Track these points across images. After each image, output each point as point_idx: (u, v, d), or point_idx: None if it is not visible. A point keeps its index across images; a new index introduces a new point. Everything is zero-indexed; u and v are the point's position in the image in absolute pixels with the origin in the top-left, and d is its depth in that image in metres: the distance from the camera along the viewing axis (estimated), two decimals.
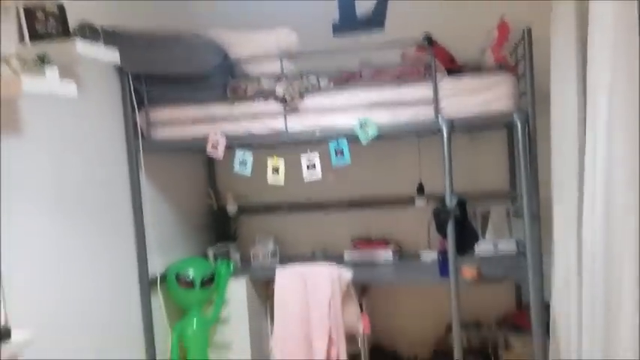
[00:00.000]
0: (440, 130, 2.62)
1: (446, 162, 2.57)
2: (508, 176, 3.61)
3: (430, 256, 3.51)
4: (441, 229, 2.63)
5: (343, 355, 2.93)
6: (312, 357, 2.91)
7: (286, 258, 3.78)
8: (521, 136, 2.55)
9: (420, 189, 3.56)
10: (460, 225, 2.62)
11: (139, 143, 3.08)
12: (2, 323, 1.50)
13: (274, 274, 2.99)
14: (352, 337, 3.08)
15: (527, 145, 2.59)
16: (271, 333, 3.57)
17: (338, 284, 2.91)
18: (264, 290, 3.65)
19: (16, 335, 1.54)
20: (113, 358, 2.84)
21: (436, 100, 2.75)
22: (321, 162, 2.97)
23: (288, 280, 2.95)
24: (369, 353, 3.53)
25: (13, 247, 2.24)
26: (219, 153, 2.99)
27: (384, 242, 3.65)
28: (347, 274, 2.94)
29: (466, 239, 2.67)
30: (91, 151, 2.80)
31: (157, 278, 3.18)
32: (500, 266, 3.08)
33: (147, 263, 3.13)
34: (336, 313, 2.91)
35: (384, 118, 2.82)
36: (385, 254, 3.51)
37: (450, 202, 2.56)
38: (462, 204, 2.61)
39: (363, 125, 2.77)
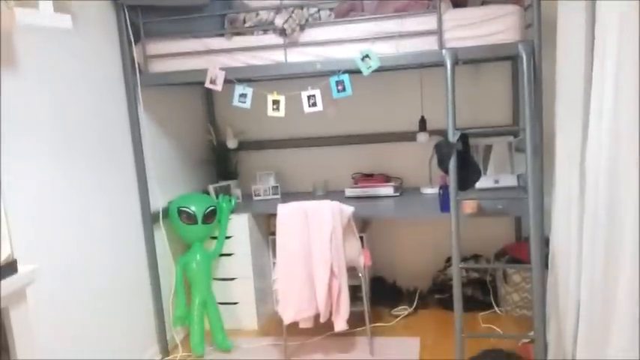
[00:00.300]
0: (443, 62, 2.56)
1: (449, 94, 2.52)
2: (511, 110, 3.57)
3: (431, 191, 3.52)
4: (443, 164, 2.61)
5: (345, 288, 2.99)
6: (314, 290, 2.96)
7: (287, 194, 3.80)
8: (526, 67, 2.49)
9: (422, 124, 3.52)
10: (462, 160, 2.59)
11: (136, 78, 3.04)
12: (8, 257, 1.50)
13: (275, 210, 3.00)
14: (353, 270, 3.13)
15: (532, 76, 2.54)
16: (273, 267, 3.65)
17: (339, 218, 2.93)
18: (265, 225, 3.70)
19: (22, 269, 1.55)
20: (119, 290, 2.90)
21: (440, 32, 2.68)
22: (322, 97, 2.92)
23: (289, 214, 2.96)
24: (369, 285, 3.61)
25: (14, 184, 2.24)
26: (218, 87, 2.94)
27: (385, 178, 3.65)
28: (348, 209, 2.95)
29: (468, 175, 2.64)
30: (89, 87, 2.75)
31: (159, 213, 3.21)
32: (500, 201, 3.09)
33: (148, 198, 3.14)
34: (338, 246, 2.95)
35: (387, 50, 2.75)
36: (386, 190, 3.52)
37: (453, 136, 2.52)
38: (464, 138, 2.57)
39: (364, 57, 2.71)
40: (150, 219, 3.15)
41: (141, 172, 3.11)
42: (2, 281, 1.48)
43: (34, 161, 2.37)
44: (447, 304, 3.49)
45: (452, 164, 2.56)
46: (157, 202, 3.23)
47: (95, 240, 2.74)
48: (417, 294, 3.65)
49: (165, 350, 3.24)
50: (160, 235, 3.25)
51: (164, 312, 3.24)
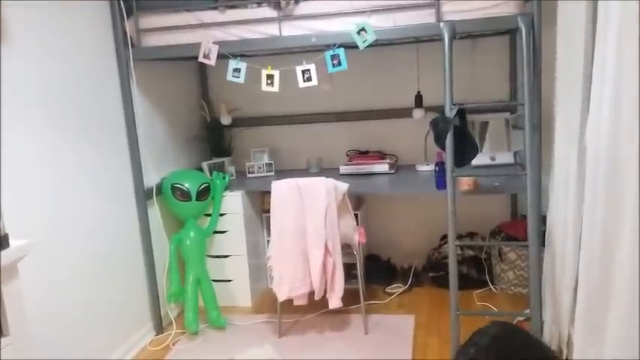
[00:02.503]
0: (441, 36, 2.51)
1: (446, 68, 2.48)
2: (508, 86, 3.54)
3: (426, 169, 3.50)
4: (440, 140, 2.57)
5: (339, 265, 2.97)
6: (309, 267, 2.95)
7: (281, 171, 3.77)
8: (525, 41, 2.45)
9: (418, 100, 3.48)
10: (459, 136, 2.56)
11: (129, 52, 2.98)
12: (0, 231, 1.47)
13: (269, 187, 2.97)
14: (348, 248, 3.11)
15: (531, 51, 2.50)
16: (267, 244, 3.63)
17: (334, 195, 2.90)
18: (259, 203, 3.67)
19: (13, 244, 1.52)
20: (112, 268, 2.87)
21: (437, 4, 2.62)
22: (317, 72, 2.87)
23: (283, 191, 2.93)
24: (364, 263, 3.60)
25: (4, 160, 2.19)
26: (211, 61, 2.88)
27: (380, 155, 3.62)
28: (343, 185, 2.92)
29: (465, 151, 2.61)
30: (80, 62, 2.69)
31: (152, 190, 3.17)
32: (497, 178, 3.07)
33: (142, 175, 3.10)
34: (332, 223, 2.92)
35: (383, 23, 2.70)
36: (381, 167, 3.49)
37: (450, 111, 2.49)
38: (462, 113, 2.54)
39: (360, 31, 2.66)
40: (143, 196, 3.11)
41: (134, 149, 3.06)
42: None
43: (25, 137, 2.32)
44: (441, 282, 3.49)
45: (449, 140, 2.53)
46: (151, 179, 3.19)
47: (88, 216, 2.71)
48: (412, 272, 3.65)
49: (160, 327, 3.23)
50: (154, 212, 3.21)
51: (158, 289, 3.22)
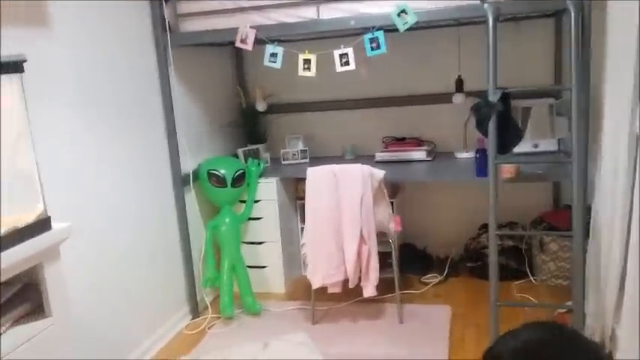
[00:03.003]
0: (485, 17, 2.42)
1: (490, 51, 2.38)
2: (552, 71, 3.42)
3: (466, 156, 3.42)
4: (482, 126, 2.49)
5: (374, 254, 2.93)
6: (343, 255, 2.91)
7: (316, 158, 3.74)
8: (574, 24, 2.34)
9: (459, 84, 3.39)
10: (503, 121, 2.47)
11: (167, 37, 2.97)
12: (41, 214, 1.47)
13: (304, 174, 2.94)
14: (383, 236, 3.07)
15: (580, 34, 2.39)
16: (301, 232, 3.61)
17: (370, 182, 2.86)
18: (293, 189, 3.65)
19: (55, 227, 1.53)
20: (150, 252, 2.89)
21: None
22: (354, 56, 2.82)
23: (318, 178, 2.90)
24: (399, 252, 3.55)
25: (47, 146, 2.21)
26: (248, 46, 2.86)
27: (417, 142, 3.56)
28: (379, 172, 2.87)
29: (508, 137, 2.52)
30: (119, 47, 2.70)
31: (189, 176, 3.18)
32: (539, 166, 2.98)
33: (179, 161, 3.11)
34: (368, 211, 2.88)
35: (424, 5, 2.63)
36: (418, 154, 3.43)
37: (493, 95, 2.40)
38: (505, 98, 2.45)
39: (401, 13, 2.59)
40: (180, 182, 3.12)
41: (171, 134, 3.07)
42: (36, 238, 1.45)
43: (63, 122, 2.33)
44: (479, 273, 3.42)
45: (491, 126, 2.45)
46: (187, 165, 3.20)
47: (126, 202, 2.73)
48: (449, 262, 3.59)
49: (196, 311, 3.25)
50: (190, 198, 3.22)
51: (194, 274, 3.23)
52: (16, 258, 1.38)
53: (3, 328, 1.43)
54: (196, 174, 3.25)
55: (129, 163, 2.75)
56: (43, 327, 1.48)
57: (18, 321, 1.48)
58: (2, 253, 1.35)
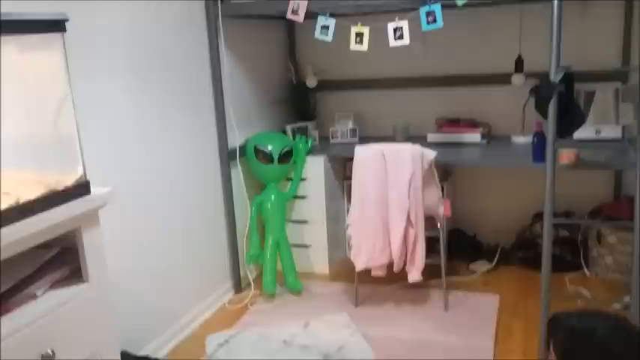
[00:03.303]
0: None
1: (554, 28, 2.22)
2: (620, 54, 3.20)
3: (522, 140, 3.26)
4: (542, 107, 2.34)
5: (421, 238, 2.83)
6: (389, 237, 2.83)
7: (365, 137, 3.65)
8: None
9: (519, 64, 3.22)
10: (564, 103, 2.32)
11: (217, 8, 2.93)
12: (80, 177, 1.47)
13: (352, 153, 2.86)
14: (431, 220, 2.96)
15: None
16: (347, 212, 3.54)
17: (420, 163, 2.75)
18: (341, 169, 3.58)
19: (95, 191, 1.52)
20: (195, 225, 2.90)
21: None
22: (409, 31, 2.70)
23: (367, 157, 2.81)
24: (448, 237, 3.44)
25: (92, 113, 2.22)
26: (299, 18, 2.79)
27: (472, 124, 3.41)
28: (430, 153, 2.77)
29: (569, 121, 2.37)
30: (169, 16, 2.68)
31: (236, 151, 3.16)
32: (601, 153, 2.80)
33: (226, 135, 3.09)
34: (416, 193, 2.78)
35: None
36: (472, 136, 3.29)
37: (555, 75, 2.25)
38: (568, 78, 2.29)
39: None
40: (227, 156, 3.10)
41: (219, 107, 3.05)
42: (74, 201, 1.45)
43: (110, 91, 2.33)
44: (530, 263, 3.27)
45: (552, 107, 2.30)
46: (235, 140, 3.18)
47: (172, 173, 2.73)
48: (499, 250, 3.45)
49: (239, 287, 3.25)
50: (237, 173, 3.21)
51: (238, 250, 3.23)
52: (53, 220, 1.37)
53: (40, 290, 1.43)
54: (243, 149, 3.23)
55: (176, 135, 2.75)
56: (80, 292, 1.48)
57: (55, 284, 1.49)
58: (39, 215, 1.34)
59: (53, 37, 1.41)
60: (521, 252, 3.40)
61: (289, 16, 2.80)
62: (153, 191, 2.60)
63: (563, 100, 2.30)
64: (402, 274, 2.89)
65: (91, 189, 1.52)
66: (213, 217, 3.08)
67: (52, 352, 1.37)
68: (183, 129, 2.81)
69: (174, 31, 2.72)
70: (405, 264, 2.87)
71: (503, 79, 3.35)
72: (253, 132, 3.38)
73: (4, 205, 1.27)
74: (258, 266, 3.35)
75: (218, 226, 3.12)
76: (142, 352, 2.48)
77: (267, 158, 3.14)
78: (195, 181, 2.92)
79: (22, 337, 1.31)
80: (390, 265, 2.88)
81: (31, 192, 1.35)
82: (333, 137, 3.64)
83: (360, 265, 2.88)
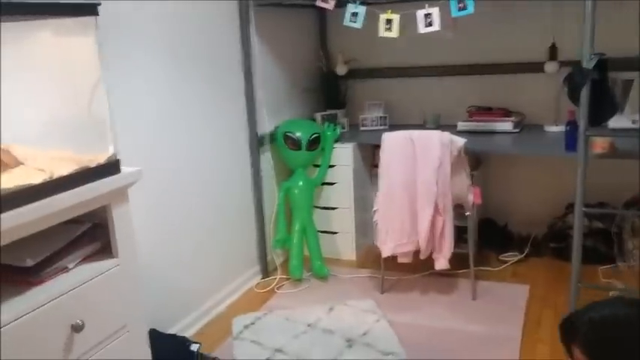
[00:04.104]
0: None
1: (587, 12, 2.18)
2: None
3: (556, 130, 3.20)
4: (574, 94, 2.30)
5: (449, 226, 2.82)
6: (416, 224, 2.82)
7: (395, 125, 3.64)
8: None
9: (552, 51, 3.15)
10: (597, 90, 2.27)
11: None
12: (111, 156, 1.51)
13: (381, 140, 2.85)
14: (460, 209, 2.94)
15: None
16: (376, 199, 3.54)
17: (449, 150, 2.73)
18: (370, 156, 3.58)
19: (124, 170, 1.56)
20: (223, 209, 2.94)
21: None
22: (440, 18, 2.68)
23: (395, 143, 2.80)
24: (477, 227, 3.41)
25: (125, 98, 2.27)
26: (329, 5, 2.79)
27: (504, 112, 3.36)
28: (459, 140, 2.74)
29: (602, 108, 2.32)
30: (202, 6, 2.71)
31: (265, 137, 3.19)
32: (637, 142, 2.72)
33: (256, 120, 3.12)
34: (445, 180, 2.76)
35: None
36: (504, 125, 3.24)
37: (588, 61, 2.21)
38: (602, 65, 2.24)
39: None
40: (256, 142, 3.14)
41: (249, 94, 3.07)
42: (105, 179, 1.49)
43: (143, 75, 2.38)
44: (562, 254, 3.22)
45: (584, 94, 2.25)
46: (264, 126, 3.21)
47: (203, 158, 2.78)
48: (530, 240, 3.41)
49: (266, 271, 3.29)
50: (266, 158, 3.24)
51: (266, 234, 3.27)
52: (84, 196, 1.42)
53: (72, 263, 1.48)
54: (273, 136, 3.26)
55: (207, 121, 2.79)
56: (109, 267, 1.53)
57: (87, 258, 1.54)
58: (71, 191, 1.39)
59: (86, 21, 1.45)
60: (553, 243, 3.34)
61: (319, 3, 2.80)
62: (184, 175, 2.65)
63: (597, 88, 2.25)
64: (430, 262, 2.88)
65: (121, 168, 1.57)
66: (242, 202, 3.12)
67: (82, 322, 1.42)
68: (215, 115, 2.85)
69: (206, 19, 2.75)
70: (432, 252, 2.86)
71: (536, 67, 3.28)
72: (283, 119, 3.40)
73: (39, 180, 1.32)
74: (286, 251, 3.39)
75: (247, 210, 3.17)
76: (169, 331, 2.54)
77: (296, 144, 3.16)
78: (225, 167, 2.96)
79: (53, 307, 1.36)
80: (417, 253, 2.87)
81: (64, 169, 1.40)
82: (362, 125, 3.63)
83: (386, 252, 2.88)
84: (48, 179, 1.34)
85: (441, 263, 2.84)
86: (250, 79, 3.06)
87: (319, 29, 3.86)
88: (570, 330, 1.22)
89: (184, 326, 2.67)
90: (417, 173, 2.78)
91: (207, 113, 2.79)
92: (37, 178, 1.32)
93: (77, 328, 1.40)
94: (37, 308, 1.33)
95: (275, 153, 3.30)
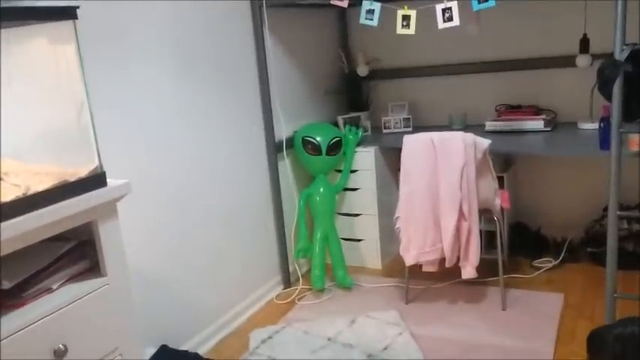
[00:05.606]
0: None
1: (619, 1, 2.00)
2: None
3: (591, 127, 3.00)
4: (606, 88, 2.12)
5: (475, 232, 2.66)
6: (440, 231, 2.67)
7: (420, 127, 3.49)
8: None
9: (584, 44, 2.95)
10: (631, 83, 2.08)
11: None
12: (95, 169, 1.44)
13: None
14: (489, 214, 2.78)
15: None
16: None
17: (473, 152, 2.57)
18: (394, 160, 3.44)
19: (111, 183, 1.49)
20: (242, 218, 2.86)
21: None
22: (460, 12, 2.53)
23: (416, 146, 2.66)
24: (509, 232, 3.23)
25: (138, 105, 2.21)
26: (343, 3, 2.68)
27: (534, 110, 3.18)
28: (484, 141, 2.58)
29: (637, 103, 2.13)
30: (214, 7, 2.64)
31: (283, 143, 3.10)
32: None
33: (273, 126, 3.03)
34: (469, 183, 2.61)
35: None
36: (534, 124, 3.06)
37: (620, 53, 2.02)
38: (636, 57, 2.05)
39: None
40: (274, 148, 3.04)
41: (265, 99, 2.99)
42: (88, 193, 1.42)
43: (156, 81, 2.32)
44: (601, 259, 3.00)
45: (616, 88, 2.07)
46: (282, 131, 3.11)
47: (219, 166, 2.70)
48: (566, 245, 3.20)
49: (287, 281, 3.20)
50: (284, 165, 3.15)
51: (287, 243, 3.17)
52: (64, 213, 1.35)
53: (56, 284, 1.41)
54: (291, 140, 3.16)
55: (222, 127, 2.71)
56: (97, 286, 1.46)
57: (75, 278, 1.47)
58: (49, 207, 1.32)
59: (65, 25, 1.38)
60: (590, 247, 3.13)
61: (333, 1, 2.69)
62: (199, 184, 2.58)
63: (630, 81, 2.07)
64: (457, 270, 2.73)
65: (108, 181, 1.49)
66: (261, 210, 3.04)
67: (65, 347, 1.35)
68: (229, 121, 2.77)
69: (219, 20, 2.68)
70: (458, 259, 2.71)
71: (567, 61, 3.09)
72: (303, 123, 3.30)
73: (12, 197, 1.26)
74: (308, 261, 3.28)
75: (266, 219, 3.08)
76: (184, 347, 2.47)
77: (316, 149, 3.05)
78: (242, 174, 2.87)
79: (31, 331, 1.29)
80: (443, 261, 2.72)
81: (41, 184, 1.33)
82: (385, 127, 3.50)
83: (409, 260, 2.74)
84: (21, 196, 1.27)
85: (468, 272, 2.68)
86: (266, 83, 2.97)
87: (339, 29, 3.74)
88: (598, 344, 1.11)
89: (201, 340, 2.60)
90: (440, 177, 2.64)
91: (222, 119, 2.71)
92: (9, 195, 1.25)
93: (59, 354, 1.33)
94: (15, 333, 1.26)
95: (294, 159, 3.20)
